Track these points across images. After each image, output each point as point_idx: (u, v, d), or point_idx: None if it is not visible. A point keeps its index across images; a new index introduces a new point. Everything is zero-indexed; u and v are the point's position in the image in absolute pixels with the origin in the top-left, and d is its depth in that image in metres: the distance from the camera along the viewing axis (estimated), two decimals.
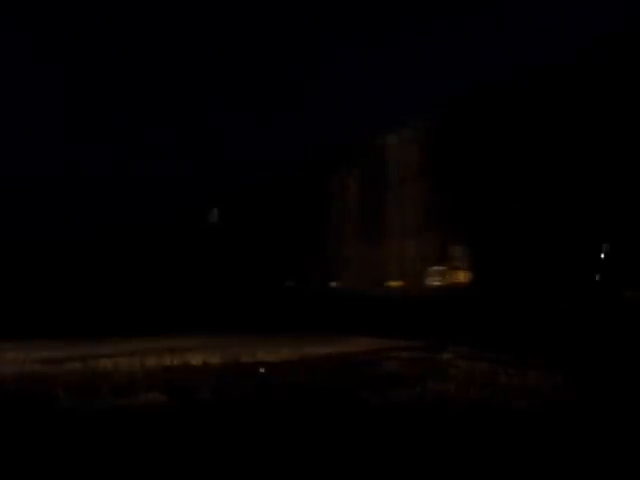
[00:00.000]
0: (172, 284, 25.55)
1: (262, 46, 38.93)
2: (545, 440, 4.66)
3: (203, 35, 37.72)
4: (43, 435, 4.98)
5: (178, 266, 25.67)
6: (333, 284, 15.23)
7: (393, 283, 12.73)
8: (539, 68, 9.83)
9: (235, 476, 4.04)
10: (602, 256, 8.52)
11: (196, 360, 9.02)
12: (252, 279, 19.76)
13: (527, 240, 9.85)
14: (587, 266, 8.80)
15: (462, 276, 11.32)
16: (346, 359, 9.20)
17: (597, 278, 8.60)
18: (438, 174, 11.94)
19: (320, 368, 8.21)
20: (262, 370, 8.10)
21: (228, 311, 19.90)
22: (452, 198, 11.48)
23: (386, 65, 37.88)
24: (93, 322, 17.68)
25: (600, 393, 6.26)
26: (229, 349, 10.20)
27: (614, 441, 4.61)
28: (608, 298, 8.39)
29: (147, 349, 10.65)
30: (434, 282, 11.84)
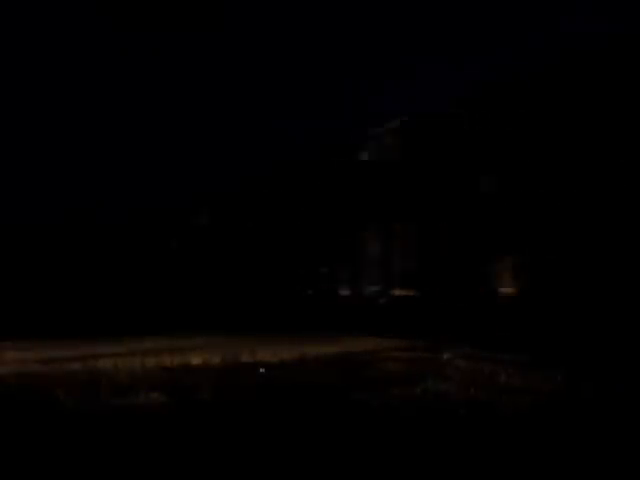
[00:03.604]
0: (175, 284, 25.55)
1: None
2: (545, 439, 4.66)
3: None
4: (43, 434, 4.98)
5: (182, 266, 25.66)
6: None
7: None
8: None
9: (235, 476, 4.04)
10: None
11: (196, 360, 9.02)
12: (256, 279, 19.74)
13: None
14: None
15: None
16: (346, 359, 9.19)
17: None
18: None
19: (320, 368, 8.20)
20: (262, 370, 8.09)
21: (229, 311, 19.91)
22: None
23: None
24: (93, 322, 17.68)
25: (600, 392, 6.26)
26: (229, 349, 10.19)
27: (613, 440, 4.61)
28: None
29: (147, 349, 10.64)
30: None
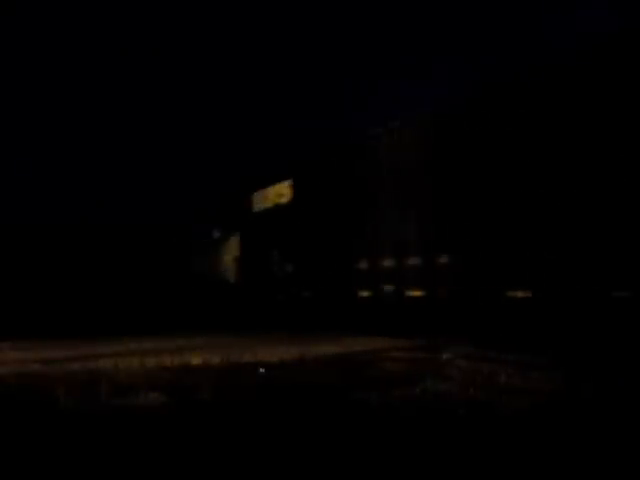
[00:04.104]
0: (177, 285, 25.56)
1: None
2: (545, 439, 4.66)
3: None
4: (43, 435, 4.98)
5: (183, 267, 25.68)
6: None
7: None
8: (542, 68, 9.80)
9: (235, 476, 4.04)
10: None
11: (196, 360, 9.02)
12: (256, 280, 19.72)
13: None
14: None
15: None
16: (346, 359, 9.20)
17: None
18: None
19: (320, 368, 8.21)
20: (262, 370, 8.09)
21: (229, 311, 19.92)
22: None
23: None
24: (93, 322, 17.69)
25: (600, 393, 6.26)
26: (229, 349, 10.19)
27: (613, 441, 4.61)
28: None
29: (147, 349, 10.65)
30: None
